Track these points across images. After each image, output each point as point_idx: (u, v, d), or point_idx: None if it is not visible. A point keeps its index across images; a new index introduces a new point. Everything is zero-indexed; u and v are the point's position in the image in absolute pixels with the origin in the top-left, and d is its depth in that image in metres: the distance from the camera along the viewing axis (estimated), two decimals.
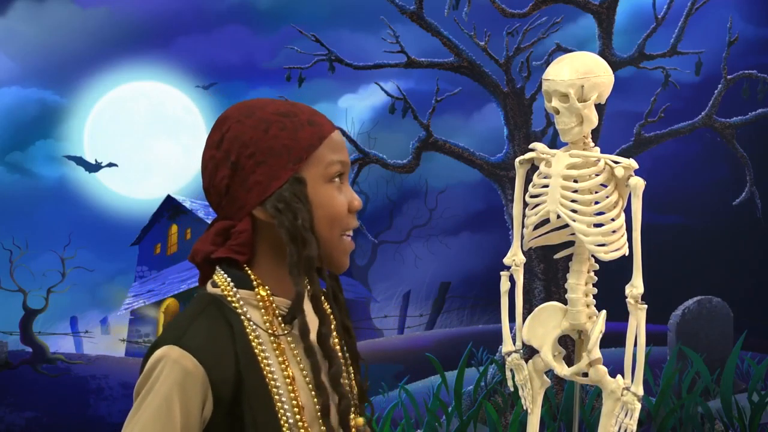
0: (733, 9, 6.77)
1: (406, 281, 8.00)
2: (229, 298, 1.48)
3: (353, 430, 1.49)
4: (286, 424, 1.45)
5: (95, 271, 7.10)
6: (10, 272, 6.73)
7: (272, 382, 1.45)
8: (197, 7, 7.30)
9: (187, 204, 7.58)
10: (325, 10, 7.23)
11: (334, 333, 1.60)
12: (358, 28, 7.15)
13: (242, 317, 1.47)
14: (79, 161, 7.26)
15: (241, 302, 1.48)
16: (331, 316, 1.60)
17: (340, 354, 1.59)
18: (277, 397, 1.45)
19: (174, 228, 7.80)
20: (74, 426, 6.56)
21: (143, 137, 7.46)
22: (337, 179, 1.52)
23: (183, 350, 1.41)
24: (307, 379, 1.48)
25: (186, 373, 1.40)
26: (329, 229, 1.51)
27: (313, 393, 1.48)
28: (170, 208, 7.64)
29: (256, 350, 1.46)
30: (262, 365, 1.46)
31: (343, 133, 6.33)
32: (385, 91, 6.47)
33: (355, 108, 7.56)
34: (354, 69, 6.42)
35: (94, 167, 7.29)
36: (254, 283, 1.50)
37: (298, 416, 1.46)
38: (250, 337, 1.47)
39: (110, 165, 7.33)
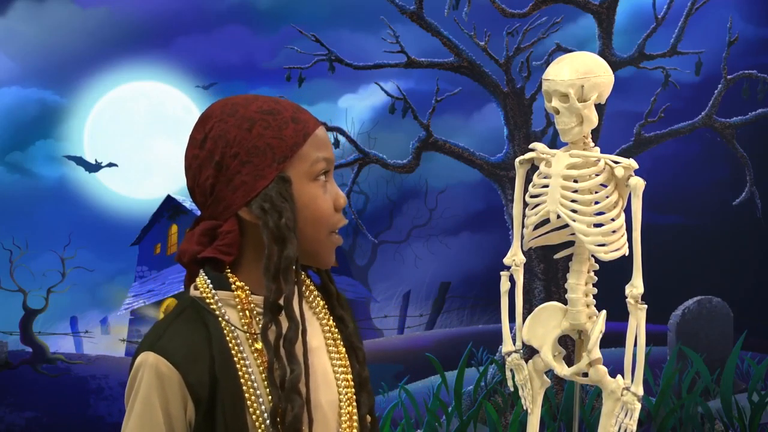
0: (733, 9, 6.77)
1: (406, 281, 7.99)
2: (207, 300, 1.47)
3: None
4: (263, 425, 1.44)
5: (95, 271, 7.09)
6: (10, 272, 6.73)
7: (249, 383, 1.44)
8: (197, 7, 7.29)
9: (187, 204, 7.56)
10: (325, 10, 7.22)
11: (330, 326, 1.58)
12: (358, 28, 7.14)
13: (220, 318, 1.46)
14: (79, 161, 7.24)
15: (219, 303, 1.47)
16: (325, 310, 1.59)
17: (335, 349, 1.57)
18: (254, 397, 1.44)
19: (174, 228, 7.80)
20: (74, 426, 6.56)
21: (143, 137, 7.45)
22: (322, 177, 1.50)
23: (158, 355, 1.42)
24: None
25: (162, 376, 1.41)
26: (315, 229, 1.49)
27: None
28: (170, 208, 7.63)
29: (233, 351, 1.45)
30: (239, 365, 1.45)
31: (343, 133, 6.33)
32: (385, 91, 6.46)
33: (355, 108, 7.55)
34: (354, 69, 6.42)
35: (94, 167, 7.28)
36: (233, 285, 1.48)
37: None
38: (228, 338, 1.45)
39: (110, 165, 7.32)
